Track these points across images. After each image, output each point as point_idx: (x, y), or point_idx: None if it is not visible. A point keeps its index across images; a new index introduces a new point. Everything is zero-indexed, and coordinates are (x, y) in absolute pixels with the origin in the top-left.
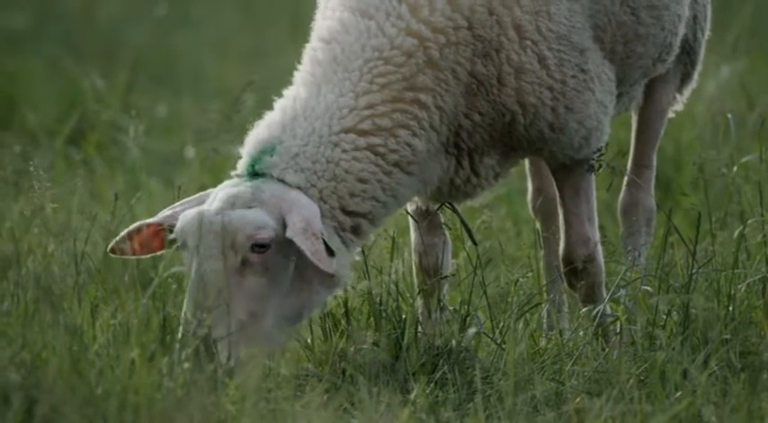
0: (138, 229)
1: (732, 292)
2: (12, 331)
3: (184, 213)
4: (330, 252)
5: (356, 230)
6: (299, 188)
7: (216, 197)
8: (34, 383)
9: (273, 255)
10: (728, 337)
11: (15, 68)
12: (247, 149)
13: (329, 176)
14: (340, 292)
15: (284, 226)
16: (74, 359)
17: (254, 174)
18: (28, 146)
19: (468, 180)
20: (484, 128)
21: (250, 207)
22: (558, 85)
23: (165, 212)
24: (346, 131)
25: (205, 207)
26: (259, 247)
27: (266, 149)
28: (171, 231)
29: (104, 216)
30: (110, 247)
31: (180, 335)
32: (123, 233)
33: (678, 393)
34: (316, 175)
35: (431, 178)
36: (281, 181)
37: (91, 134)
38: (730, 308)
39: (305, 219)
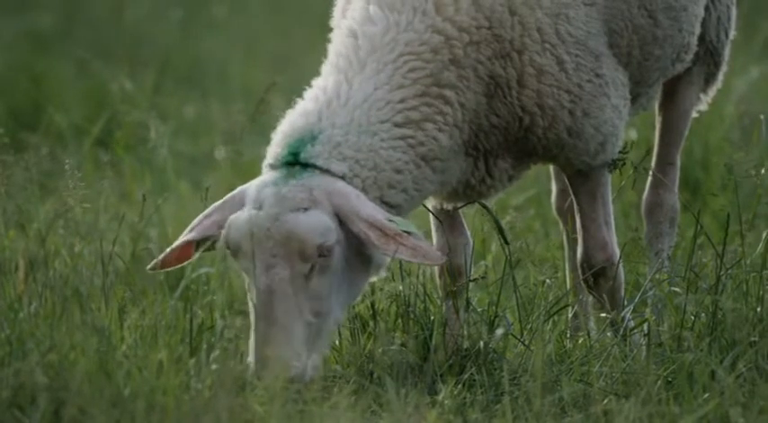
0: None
1: (761, 293)
2: (39, 332)
3: (234, 218)
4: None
5: None
6: (343, 178)
7: (263, 199)
8: (62, 385)
9: (336, 254)
10: (756, 338)
11: (43, 70)
12: (281, 138)
13: (371, 166)
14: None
15: (339, 222)
16: (101, 360)
17: (292, 163)
18: (56, 147)
19: (483, 181)
20: (500, 130)
21: (306, 208)
22: (576, 89)
23: (203, 222)
24: (382, 122)
25: (253, 211)
26: (327, 251)
27: (305, 138)
28: (204, 241)
29: (132, 217)
30: (149, 267)
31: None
32: (167, 252)
33: (706, 395)
34: (359, 165)
35: (450, 179)
36: (326, 171)
37: (119, 135)
38: (758, 309)
39: (372, 218)
